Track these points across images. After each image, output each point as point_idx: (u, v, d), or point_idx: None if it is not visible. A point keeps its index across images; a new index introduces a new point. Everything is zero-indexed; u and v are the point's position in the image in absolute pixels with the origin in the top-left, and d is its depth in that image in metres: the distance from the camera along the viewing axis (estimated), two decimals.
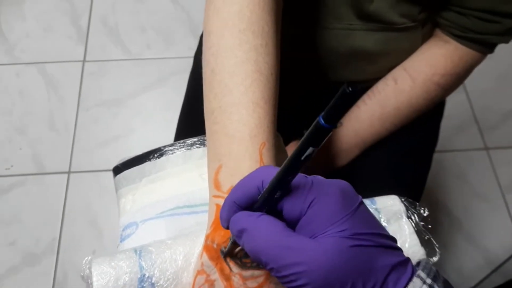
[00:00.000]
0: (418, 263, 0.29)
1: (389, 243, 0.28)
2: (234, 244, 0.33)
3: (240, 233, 0.29)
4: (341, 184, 0.29)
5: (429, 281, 0.27)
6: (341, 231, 0.27)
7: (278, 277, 0.27)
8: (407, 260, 0.28)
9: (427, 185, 0.70)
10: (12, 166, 1.29)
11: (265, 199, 0.29)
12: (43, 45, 1.49)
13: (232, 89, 0.39)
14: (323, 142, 0.24)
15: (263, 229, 0.28)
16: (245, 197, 0.30)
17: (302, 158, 0.25)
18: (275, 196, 0.28)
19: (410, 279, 0.27)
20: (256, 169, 0.31)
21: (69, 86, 1.42)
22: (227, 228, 0.31)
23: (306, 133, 0.24)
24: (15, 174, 1.28)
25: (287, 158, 0.26)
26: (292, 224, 0.29)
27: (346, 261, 0.26)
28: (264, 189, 0.29)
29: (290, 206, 0.28)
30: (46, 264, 1.16)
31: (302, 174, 0.29)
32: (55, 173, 1.28)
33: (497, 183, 1.28)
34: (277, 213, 0.29)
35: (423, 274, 0.27)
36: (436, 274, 0.28)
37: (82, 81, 1.43)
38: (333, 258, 0.26)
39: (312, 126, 0.23)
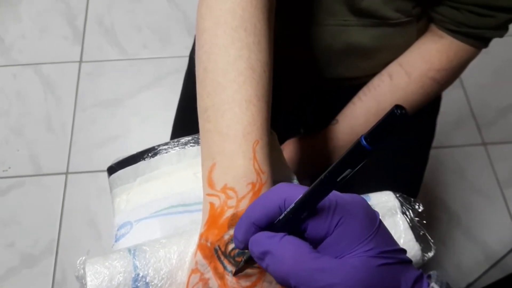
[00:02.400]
0: (429, 276, 0.29)
1: (407, 258, 0.29)
2: (247, 263, 0.32)
3: (263, 255, 0.28)
4: (363, 201, 0.29)
5: None
6: (368, 250, 0.27)
7: None
8: (422, 274, 0.29)
9: (425, 181, 0.70)
10: (9, 167, 1.29)
11: (288, 219, 0.28)
12: (40, 46, 1.49)
13: (225, 87, 0.38)
14: (362, 164, 0.23)
15: (289, 252, 0.27)
16: (265, 217, 0.29)
17: (338, 179, 0.24)
18: (301, 217, 0.27)
19: None
20: (275, 187, 0.30)
21: (66, 86, 1.41)
22: (243, 249, 0.31)
23: (344, 154, 0.23)
24: (12, 176, 1.27)
25: (319, 178, 0.25)
26: (314, 243, 0.28)
27: (375, 280, 0.26)
28: (288, 209, 0.28)
29: (315, 226, 0.28)
30: (45, 265, 1.16)
31: None
32: (53, 174, 1.28)
33: (495, 178, 1.28)
34: (299, 233, 0.28)
35: (436, 287, 0.28)
36: (448, 286, 0.29)
37: (79, 82, 1.42)
38: (363, 279, 0.26)
39: (351, 146, 0.22)
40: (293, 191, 0.29)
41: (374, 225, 0.28)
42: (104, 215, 1.22)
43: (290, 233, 0.28)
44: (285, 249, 0.28)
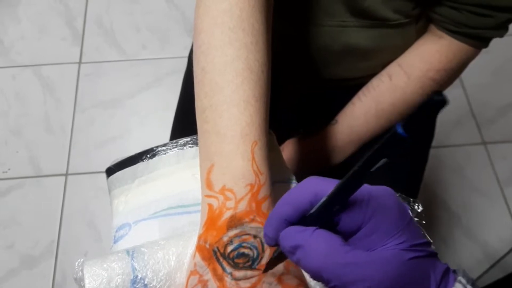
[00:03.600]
0: (455, 270, 0.29)
1: (434, 251, 0.29)
2: (278, 258, 0.32)
3: (294, 249, 0.28)
4: (393, 194, 0.29)
5: (469, 287, 0.28)
6: (400, 243, 0.27)
7: None
8: (448, 267, 0.29)
9: (425, 181, 0.70)
10: (9, 169, 1.29)
11: (320, 213, 0.28)
12: (39, 47, 1.49)
13: (223, 88, 0.38)
14: (398, 152, 0.22)
15: (321, 245, 0.27)
16: (296, 212, 0.29)
17: (373, 169, 0.23)
18: (333, 210, 0.27)
19: (453, 286, 0.28)
20: (305, 181, 0.30)
21: (65, 87, 1.41)
22: (274, 245, 0.30)
23: (378, 144, 0.22)
24: (12, 177, 1.27)
25: (352, 170, 0.25)
26: (346, 236, 0.28)
27: (406, 273, 0.27)
28: (320, 203, 0.28)
29: (348, 219, 0.28)
30: (44, 267, 1.16)
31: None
32: (52, 176, 1.28)
33: (495, 177, 1.28)
34: (330, 226, 0.28)
35: (463, 281, 0.28)
36: (474, 282, 0.29)
37: (78, 83, 1.42)
38: (396, 272, 0.26)
39: (387, 135, 0.22)
40: (324, 185, 0.28)
41: (406, 218, 0.28)
42: (104, 216, 1.22)
43: (321, 226, 0.28)
44: (317, 243, 0.27)
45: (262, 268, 0.34)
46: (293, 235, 0.28)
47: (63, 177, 1.27)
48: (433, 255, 0.29)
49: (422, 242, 0.28)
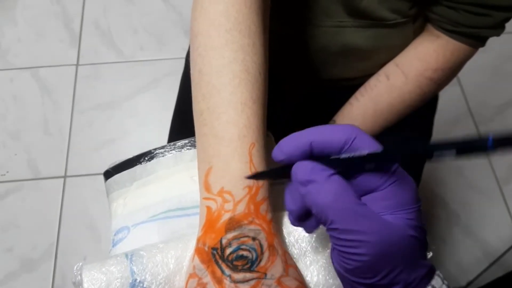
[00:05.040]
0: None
1: (427, 244, 0.30)
2: (273, 175, 0.31)
3: (308, 182, 0.28)
4: (413, 181, 0.30)
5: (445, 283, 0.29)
6: (409, 219, 0.28)
7: (338, 239, 0.27)
8: (433, 268, 0.30)
9: (424, 179, 0.70)
10: (7, 172, 1.28)
11: (349, 161, 0.27)
12: (36, 50, 1.48)
13: (220, 90, 0.38)
14: (468, 155, 0.23)
15: (335, 187, 0.27)
16: (325, 144, 0.29)
17: (435, 153, 0.24)
18: (366, 167, 0.27)
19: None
20: (347, 125, 0.29)
21: (63, 90, 1.41)
22: (280, 161, 0.30)
23: (464, 137, 0.23)
24: (11, 180, 1.27)
25: (417, 143, 0.25)
26: (358, 192, 0.29)
27: (405, 247, 0.27)
28: (352, 150, 0.28)
29: (370, 177, 0.28)
30: (44, 269, 1.16)
31: None
32: (51, 178, 1.27)
33: (493, 176, 1.28)
34: (345, 176, 0.28)
35: (441, 275, 0.29)
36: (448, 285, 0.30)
37: (76, 85, 1.42)
38: (397, 239, 0.27)
39: (477, 137, 0.22)
40: (365, 138, 0.28)
41: (419, 201, 0.29)
42: (103, 218, 1.22)
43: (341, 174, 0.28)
44: (332, 183, 0.27)
45: (262, 271, 0.34)
46: (311, 169, 0.28)
47: (62, 180, 1.27)
48: (427, 247, 0.30)
49: (424, 229, 0.29)
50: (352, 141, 0.28)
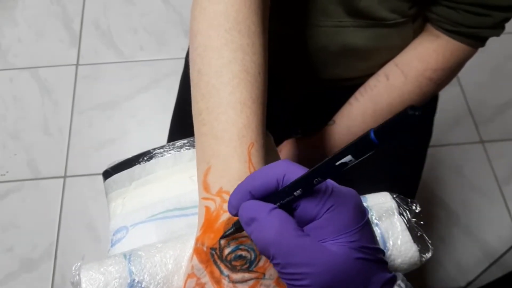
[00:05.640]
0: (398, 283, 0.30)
1: (384, 260, 0.30)
2: (237, 230, 0.32)
3: (250, 221, 0.29)
4: (356, 196, 0.30)
5: None
6: (351, 242, 0.28)
7: (282, 273, 0.28)
8: (395, 277, 0.29)
9: (424, 180, 0.70)
10: (7, 172, 1.28)
11: (283, 193, 0.29)
12: (36, 50, 1.48)
13: (219, 90, 0.38)
14: (365, 156, 0.23)
15: (276, 223, 0.28)
16: (262, 188, 0.30)
17: (337, 163, 0.24)
18: (295, 194, 0.28)
19: None
20: (277, 162, 0.31)
21: (62, 90, 1.41)
22: (234, 215, 0.31)
23: (352, 142, 0.23)
24: (10, 180, 1.27)
25: (324, 161, 0.25)
26: (301, 224, 0.29)
27: (350, 271, 0.27)
28: (286, 184, 0.29)
29: (307, 206, 0.28)
30: (44, 269, 1.16)
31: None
32: (50, 178, 1.27)
33: (493, 176, 1.28)
34: (290, 211, 0.29)
35: (402, 285, 0.29)
36: None
37: (76, 85, 1.42)
38: (340, 267, 0.27)
39: (360, 136, 0.23)
40: (294, 169, 0.29)
41: (362, 220, 0.29)
42: (103, 218, 1.22)
43: (281, 208, 0.29)
44: (272, 219, 0.28)
45: (260, 271, 0.34)
46: (252, 208, 0.29)
47: (62, 180, 1.27)
48: (381, 262, 0.29)
49: (373, 247, 0.29)
50: (284, 177, 0.29)
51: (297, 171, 0.29)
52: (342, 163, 0.24)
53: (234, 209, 0.31)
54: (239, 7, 0.40)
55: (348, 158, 0.23)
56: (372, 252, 0.29)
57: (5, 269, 1.16)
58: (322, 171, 0.26)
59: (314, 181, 0.27)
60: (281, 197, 0.29)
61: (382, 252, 0.30)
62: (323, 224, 0.28)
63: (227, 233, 0.33)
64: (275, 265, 0.28)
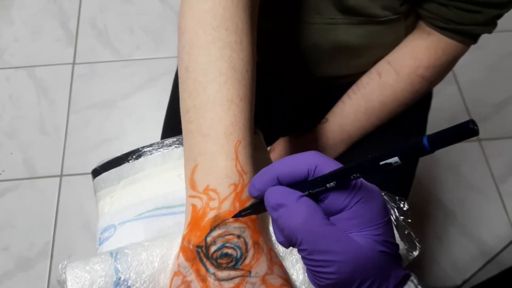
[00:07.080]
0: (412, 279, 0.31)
1: (401, 256, 0.31)
2: (254, 212, 0.33)
3: (278, 206, 0.29)
4: (380, 193, 0.31)
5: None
6: (376, 235, 0.29)
7: (307, 259, 0.28)
8: (409, 274, 0.30)
9: (420, 178, 0.70)
10: (3, 171, 1.28)
11: (314, 183, 0.29)
12: (32, 49, 1.48)
13: (206, 87, 0.38)
14: (411, 160, 0.23)
15: (304, 210, 0.28)
16: (290, 175, 0.30)
17: (381, 163, 0.24)
18: (327, 186, 0.28)
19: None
20: (308, 153, 0.31)
21: (59, 89, 1.41)
22: (255, 197, 0.32)
23: (402, 144, 0.23)
24: (6, 179, 1.27)
25: (366, 158, 0.26)
26: (326, 214, 0.29)
27: (374, 263, 0.28)
28: (317, 175, 0.29)
29: (336, 198, 0.29)
30: (40, 268, 1.16)
31: None
32: (47, 177, 1.27)
33: (490, 174, 1.28)
34: (316, 201, 0.30)
35: (415, 281, 0.30)
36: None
37: (72, 84, 1.42)
38: (366, 258, 0.28)
39: (412, 140, 0.23)
40: (327, 162, 0.30)
41: (387, 215, 0.30)
42: None
43: (308, 197, 0.29)
44: (301, 206, 0.28)
45: (246, 269, 0.34)
46: (281, 193, 0.30)
47: (58, 179, 1.27)
48: (400, 259, 0.30)
49: (394, 243, 0.30)
50: (315, 168, 0.30)
51: (330, 165, 0.29)
52: (386, 163, 0.24)
53: (256, 192, 0.31)
54: (226, 4, 0.40)
55: (394, 159, 0.24)
56: (393, 247, 0.29)
57: (1, 268, 1.16)
58: (363, 168, 0.26)
59: (352, 177, 0.27)
60: (311, 186, 0.29)
61: (398, 247, 0.31)
62: (350, 216, 0.29)
63: (243, 213, 0.34)
64: (301, 251, 0.28)
